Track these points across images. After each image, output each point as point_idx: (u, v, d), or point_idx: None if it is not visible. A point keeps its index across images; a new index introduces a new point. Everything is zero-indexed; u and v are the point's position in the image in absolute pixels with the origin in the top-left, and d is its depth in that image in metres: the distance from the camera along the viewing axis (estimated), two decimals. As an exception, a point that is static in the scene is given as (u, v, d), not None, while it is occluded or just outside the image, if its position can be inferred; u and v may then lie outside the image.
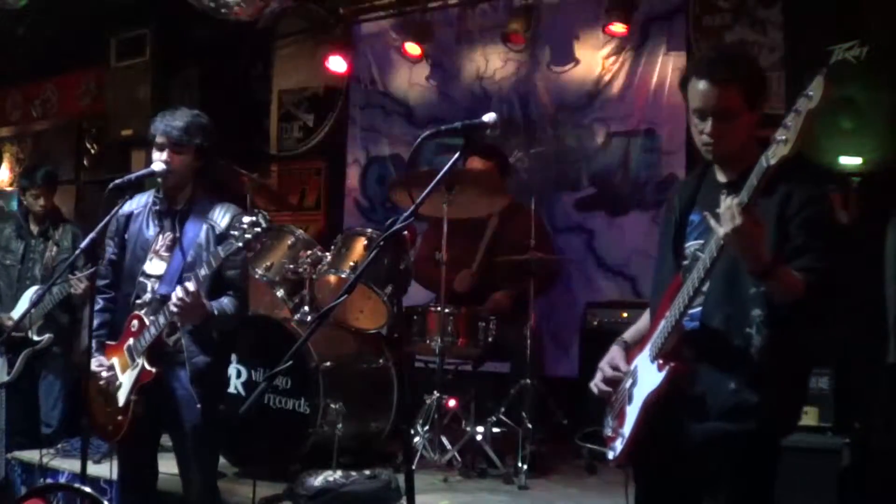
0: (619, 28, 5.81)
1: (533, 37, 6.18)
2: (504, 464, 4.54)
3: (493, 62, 6.56)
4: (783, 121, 2.18)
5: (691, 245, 2.65)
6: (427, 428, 4.53)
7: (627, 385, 2.64)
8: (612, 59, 6.07)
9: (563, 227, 6.14)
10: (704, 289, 2.48)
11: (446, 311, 4.63)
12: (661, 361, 2.50)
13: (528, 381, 4.63)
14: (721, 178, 2.64)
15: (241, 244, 3.28)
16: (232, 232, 3.31)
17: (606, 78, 6.10)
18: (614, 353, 2.76)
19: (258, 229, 3.26)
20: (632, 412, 2.57)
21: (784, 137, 2.17)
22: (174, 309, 3.30)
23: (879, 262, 4.27)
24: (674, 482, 2.59)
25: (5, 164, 8.89)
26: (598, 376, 2.77)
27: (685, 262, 2.63)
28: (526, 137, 6.36)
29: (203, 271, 3.33)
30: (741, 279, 2.45)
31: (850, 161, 4.21)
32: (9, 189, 8.62)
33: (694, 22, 5.81)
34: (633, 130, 5.98)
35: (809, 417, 3.91)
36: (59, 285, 4.87)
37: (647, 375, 2.54)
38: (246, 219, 3.28)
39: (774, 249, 2.39)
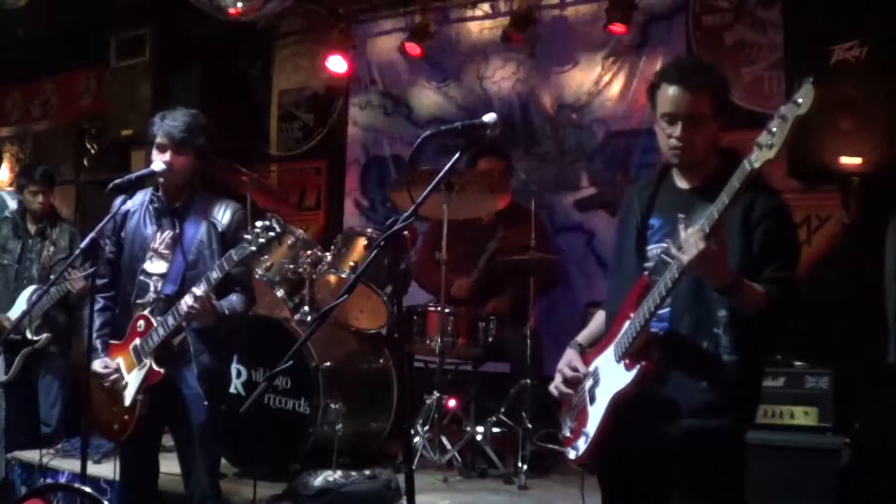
0: (619, 28, 5.81)
1: (533, 37, 6.17)
2: (504, 464, 4.54)
3: (493, 62, 6.56)
4: (768, 125, 2.22)
5: (654, 248, 2.67)
6: (427, 428, 4.53)
7: (588, 386, 2.66)
8: (612, 59, 6.07)
9: (563, 227, 6.14)
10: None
11: (446, 311, 4.63)
12: (628, 361, 2.52)
13: (528, 381, 4.63)
14: (682, 184, 2.69)
15: (254, 248, 3.31)
16: (246, 236, 3.33)
17: (606, 78, 6.09)
18: (571, 355, 2.80)
19: (272, 233, 3.30)
20: (595, 412, 2.59)
21: (770, 142, 2.22)
22: (186, 316, 3.32)
23: (879, 262, 4.27)
24: (642, 481, 2.61)
25: (5, 164, 8.87)
26: (558, 378, 2.78)
27: (649, 265, 2.65)
28: (526, 137, 6.36)
29: (215, 274, 3.35)
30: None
31: (850, 161, 4.21)
32: (9, 189, 8.61)
33: (694, 22, 5.80)
34: (633, 130, 5.97)
35: (809, 417, 3.91)
36: (56, 285, 4.87)
37: (613, 375, 2.56)
38: (259, 223, 3.30)
39: (740, 258, 2.45)
